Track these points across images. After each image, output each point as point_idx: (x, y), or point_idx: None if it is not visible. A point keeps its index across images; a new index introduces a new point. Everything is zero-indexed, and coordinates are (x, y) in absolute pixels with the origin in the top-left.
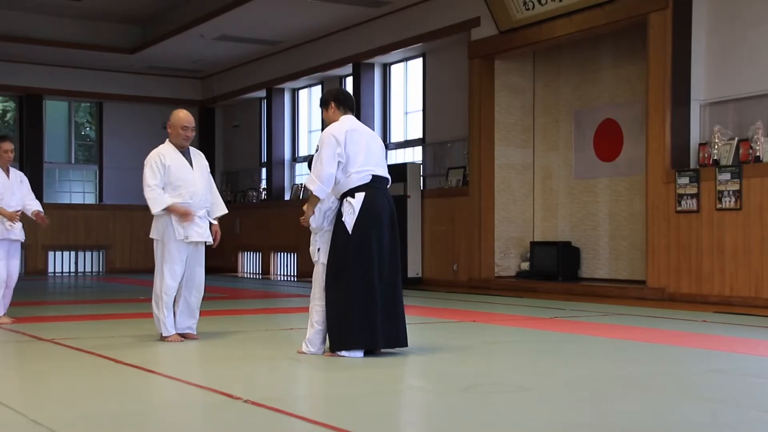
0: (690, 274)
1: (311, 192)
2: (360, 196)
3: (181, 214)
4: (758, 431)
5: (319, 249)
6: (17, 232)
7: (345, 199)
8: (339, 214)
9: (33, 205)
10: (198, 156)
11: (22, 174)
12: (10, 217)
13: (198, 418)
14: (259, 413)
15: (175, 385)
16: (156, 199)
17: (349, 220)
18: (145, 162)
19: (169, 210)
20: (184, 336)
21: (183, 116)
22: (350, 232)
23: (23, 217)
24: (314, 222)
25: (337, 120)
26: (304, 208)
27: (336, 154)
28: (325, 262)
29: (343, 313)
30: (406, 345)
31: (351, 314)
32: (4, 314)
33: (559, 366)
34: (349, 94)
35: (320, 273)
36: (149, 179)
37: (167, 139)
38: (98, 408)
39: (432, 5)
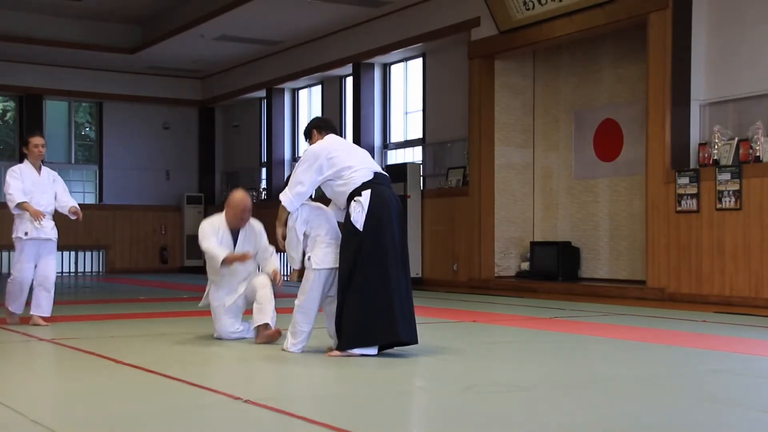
0: (690, 274)
1: (281, 203)
2: (367, 194)
3: (237, 260)
4: (758, 431)
5: (309, 258)
6: (48, 230)
7: (353, 200)
8: (347, 216)
9: (70, 202)
10: (250, 235)
11: (55, 174)
12: (35, 215)
13: (198, 418)
14: (259, 413)
15: (175, 385)
16: (214, 249)
17: (359, 219)
18: (202, 231)
19: (227, 261)
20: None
21: (239, 201)
22: (361, 230)
23: (56, 216)
24: (291, 245)
25: None
26: (277, 229)
27: (315, 169)
28: (319, 266)
29: (361, 312)
30: (417, 342)
31: (370, 311)
32: (38, 315)
33: (559, 366)
34: (328, 119)
35: (312, 281)
36: (205, 242)
37: (223, 214)
38: (98, 408)
39: (432, 5)
